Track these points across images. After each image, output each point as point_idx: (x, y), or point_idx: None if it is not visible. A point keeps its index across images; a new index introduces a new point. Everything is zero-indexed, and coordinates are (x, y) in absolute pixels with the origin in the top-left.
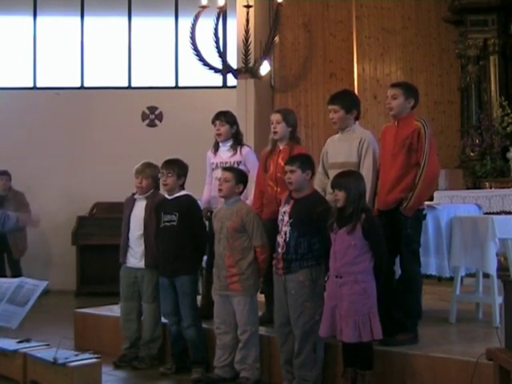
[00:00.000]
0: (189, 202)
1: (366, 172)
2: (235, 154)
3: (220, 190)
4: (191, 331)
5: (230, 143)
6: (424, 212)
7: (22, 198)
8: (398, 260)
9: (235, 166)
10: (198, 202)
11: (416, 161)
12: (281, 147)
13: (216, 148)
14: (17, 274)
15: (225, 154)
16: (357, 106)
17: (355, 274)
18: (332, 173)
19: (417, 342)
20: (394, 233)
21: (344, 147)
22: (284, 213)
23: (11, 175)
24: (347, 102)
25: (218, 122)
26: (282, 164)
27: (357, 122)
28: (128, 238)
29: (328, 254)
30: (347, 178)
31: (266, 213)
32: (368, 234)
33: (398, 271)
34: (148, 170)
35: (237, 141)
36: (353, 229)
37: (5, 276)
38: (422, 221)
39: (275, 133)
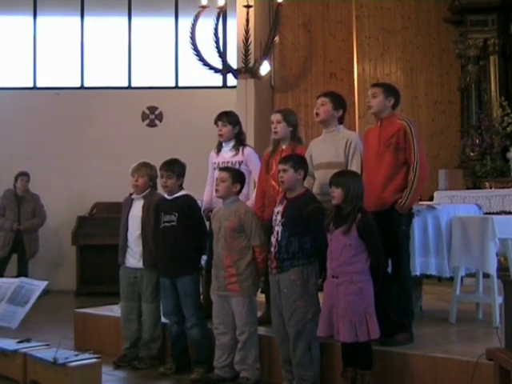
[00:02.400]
0: (188, 202)
1: None
2: (237, 153)
3: (217, 190)
4: (195, 331)
5: (232, 143)
6: (413, 210)
7: (38, 201)
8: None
9: (237, 165)
10: (198, 201)
11: (404, 160)
12: (283, 147)
13: (219, 148)
14: (24, 275)
15: (227, 154)
16: (344, 107)
17: (351, 274)
18: (319, 173)
19: (413, 340)
20: (387, 232)
21: (329, 147)
22: (277, 213)
23: (30, 176)
24: (337, 99)
25: (220, 123)
26: None
27: (342, 125)
28: (127, 239)
29: (320, 254)
30: (346, 177)
31: (267, 213)
32: (363, 235)
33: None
34: (143, 169)
35: (239, 141)
36: (348, 229)
37: (2, 276)
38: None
39: (276, 132)
